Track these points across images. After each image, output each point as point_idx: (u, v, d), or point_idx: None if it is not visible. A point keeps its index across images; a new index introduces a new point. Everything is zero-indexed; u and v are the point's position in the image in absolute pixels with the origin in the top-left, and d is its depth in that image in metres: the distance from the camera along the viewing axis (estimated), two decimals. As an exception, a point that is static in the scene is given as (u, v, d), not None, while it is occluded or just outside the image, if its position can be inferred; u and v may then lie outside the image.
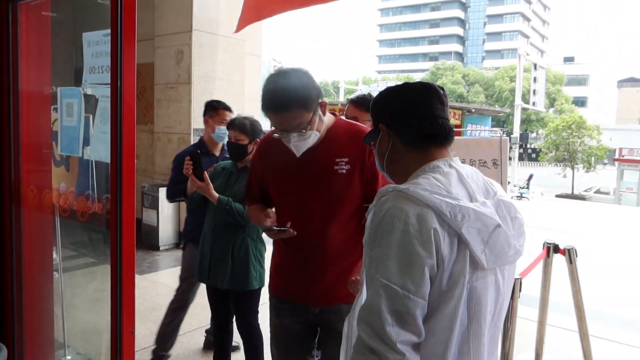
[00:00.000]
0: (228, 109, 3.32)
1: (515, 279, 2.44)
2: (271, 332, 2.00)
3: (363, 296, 1.14)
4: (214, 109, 3.33)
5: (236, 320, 2.83)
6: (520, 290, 2.44)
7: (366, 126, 2.81)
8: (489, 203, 1.15)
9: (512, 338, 2.49)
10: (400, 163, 1.25)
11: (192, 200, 2.80)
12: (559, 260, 3.36)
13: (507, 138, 3.68)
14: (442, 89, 1.26)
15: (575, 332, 3.44)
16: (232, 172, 2.78)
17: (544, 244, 3.37)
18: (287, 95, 1.64)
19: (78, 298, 3.22)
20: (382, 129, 1.26)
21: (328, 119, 1.82)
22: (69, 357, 2.92)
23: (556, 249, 3.32)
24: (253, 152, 2.73)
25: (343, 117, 2.86)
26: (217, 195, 2.62)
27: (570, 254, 3.29)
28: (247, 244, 2.69)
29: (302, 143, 1.72)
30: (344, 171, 1.75)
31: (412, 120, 1.21)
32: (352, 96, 2.98)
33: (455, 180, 1.16)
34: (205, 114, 3.40)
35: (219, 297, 2.84)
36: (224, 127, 3.05)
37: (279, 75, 1.70)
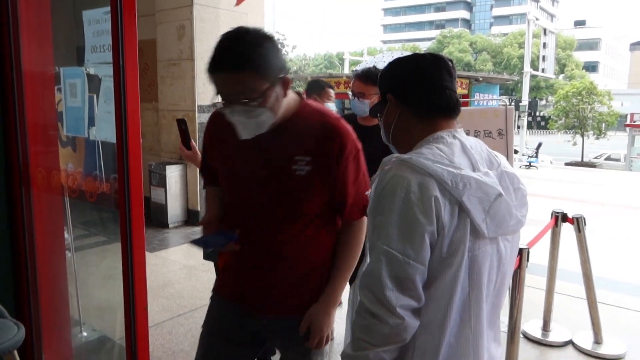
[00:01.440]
0: (332, 87, 3.47)
1: (523, 248, 2.45)
2: (203, 328, 1.73)
3: (366, 263, 1.16)
4: (321, 87, 3.51)
5: None
6: (527, 260, 2.44)
7: (370, 102, 2.79)
8: (491, 173, 1.16)
9: (520, 306, 2.51)
10: (406, 133, 1.25)
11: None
12: (567, 229, 3.36)
13: (513, 107, 3.62)
14: (451, 60, 1.26)
15: (583, 300, 3.47)
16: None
17: (552, 213, 3.36)
18: (238, 53, 1.30)
19: (91, 276, 3.29)
20: (389, 99, 1.26)
21: (292, 101, 1.45)
22: (85, 334, 3.00)
23: (564, 217, 3.32)
24: None
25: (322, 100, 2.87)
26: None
27: (578, 223, 3.29)
28: None
29: (249, 121, 1.35)
30: (303, 173, 1.42)
31: (421, 91, 1.22)
32: (357, 70, 2.94)
33: (458, 150, 1.17)
34: (310, 93, 3.53)
35: None
36: (331, 104, 3.05)
37: (235, 32, 1.34)
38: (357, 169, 1.49)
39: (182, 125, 2.47)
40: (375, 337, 1.09)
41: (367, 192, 1.47)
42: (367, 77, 2.80)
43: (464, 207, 1.09)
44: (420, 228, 1.06)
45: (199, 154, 2.46)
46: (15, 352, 1.99)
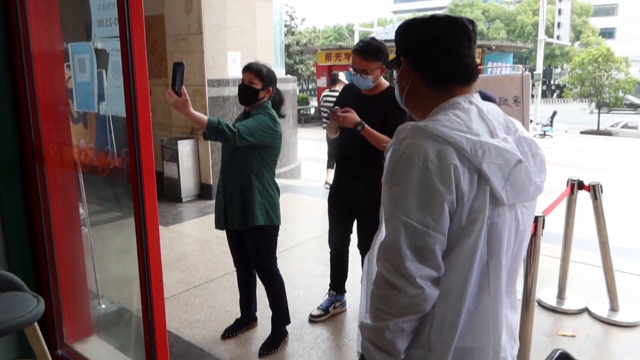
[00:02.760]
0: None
1: (539, 216, 2.43)
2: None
3: (382, 234, 1.14)
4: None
5: (252, 260, 2.87)
6: (543, 228, 2.42)
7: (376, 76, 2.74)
8: (510, 139, 1.13)
9: (535, 274, 2.50)
10: (419, 99, 1.22)
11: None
12: (583, 197, 3.32)
13: (529, 74, 3.54)
14: (472, 22, 1.19)
15: (598, 268, 3.45)
16: (237, 119, 2.74)
17: (567, 181, 3.32)
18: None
19: (107, 250, 3.34)
20: (403, 62, 1.22)
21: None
22: (103, 306, 3.06)
23: (580, 185, 3.27)
24: (264, 99, 2.70)
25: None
26: (201, 115, 2.49)
27: (595, 190, 3.24)
28: (252, 181, 2.67)
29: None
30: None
31: (435, 58, 1.17)
32: (356, 45, 2.83)
33: (475, 116, 1.13)
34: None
35: (238, 242, 2.90)
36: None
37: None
38: None
39: (177, 67, 2.28)
40: (394, 307, 1.08)
41: None
42: (367, 52, 2.71)
43: (483, 175, 1.06)
44: (439, 197, 1.04)
45: (189, 101, 2.37)
46: (36, 324, 2.04)
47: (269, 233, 2.79)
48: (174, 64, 2.31)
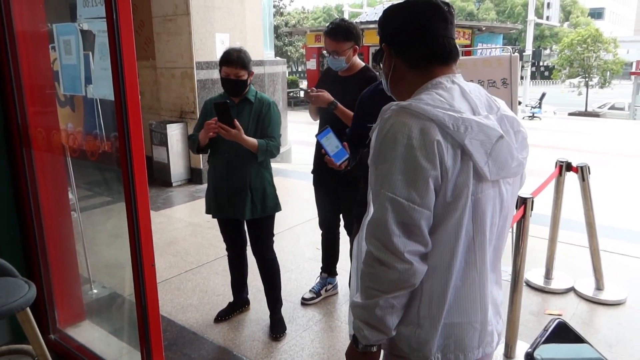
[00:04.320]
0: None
1: (527, 197, 2.45)
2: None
3: (370, 214, 1.16)
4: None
5: (254, 248, 2.90)
6: (532, 209, 2.45)
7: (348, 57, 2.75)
8: (492, 117, 1.15)
9: (524, 255, 2.54)
10: (403, 82, 1.24)
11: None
12: (571, 178, 3.35)
13: (517, 55, 3.52)
14: (448, 4, 1.21)
15: (584, 248, 3.50)
16: (231, 107, 2.71)
17: (556, 162, 3.35)
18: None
19: (98, 235, 3.32)
20: (384, 48, 1.25)
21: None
22: (95, 291, 3.06)
23: (569, 167, 3.31)
24: (250, 83, 2.67)
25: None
26: (253, 140, 2.59)
27: (582, 171, 3.28)
28: (262, 174, 2.73)
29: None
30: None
31: (412, 40, 1.19)
32: (327, 27, 2.84)
33: (458, 95, 1.15)
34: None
35: (235, 228, 2.90)
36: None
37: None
38: None
39: (222, 107, 2.48)
40: (384, 283, 1.10)
41: None
42: (336, 33, 2.76)
43: (466, 151, 1.08)
44: (424, 173, 1.06)
45: (242, 129, 2.53)
46: (28, 310, 2.04)
47: (271, 220, 2.84)
48: (215, 105, 2.51)
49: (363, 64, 2.91)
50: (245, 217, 2.73)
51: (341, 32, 2.74)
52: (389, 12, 1.24)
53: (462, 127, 1.07)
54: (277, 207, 2.82)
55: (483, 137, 1.09)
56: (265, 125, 2.68)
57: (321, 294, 3.31)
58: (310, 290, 3.32)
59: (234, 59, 2.60)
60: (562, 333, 1.05)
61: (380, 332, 1.15)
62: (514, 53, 3.55)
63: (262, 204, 2.73)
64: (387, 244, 1.07)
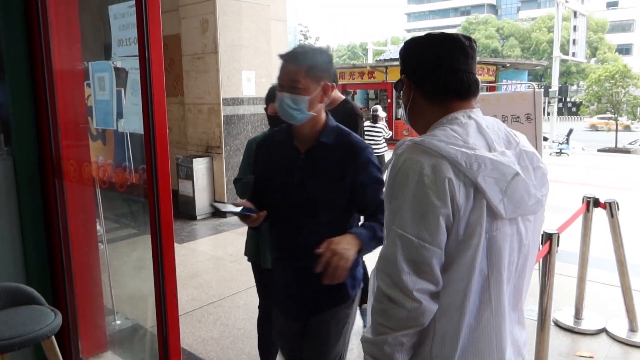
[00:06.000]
0: None
1: (553, 233, 2.40)
2: None
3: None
4: None
5: None
6: (558, 245, 2.39)
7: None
8: (509, 153, 1.13)
9: (550, 293, 2.47)
10: (420, 115, 1.25)
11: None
12: (598, 215, 3.28)
13: (541, 90, 3.52)
14: (470, 38, 1.22)
15: (615, 287, 3.38)
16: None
17: (583, 198, 3.28)
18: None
19: (123, 267, 3.37)
20: (404, 80, 1.26)
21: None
22: (118, 322, 3.09)
23: (596, 203, 3.24)
24: None
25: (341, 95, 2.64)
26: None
27: (611, 208, 3.20)
28: None
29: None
30: None
31: (431, 74, 1.20)
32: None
33: (473, 131, 1.14)
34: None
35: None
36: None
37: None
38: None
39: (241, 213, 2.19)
40: (393, 321, 1.09)
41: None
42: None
43: (479, 188, 1.07)
44: (434, 211, 1.05)
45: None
46: (53, 338, 2.07)
47: None
48: (240, 217, 2.13)
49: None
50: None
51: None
52: (410, 44, 1.25)
53: (475, 164, 1.06)
54: None
55: (497, 175, 1.08)
56: None
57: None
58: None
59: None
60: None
61: None
62: (538, 89, 3.56)
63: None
64: (397, 281, 1.06)
